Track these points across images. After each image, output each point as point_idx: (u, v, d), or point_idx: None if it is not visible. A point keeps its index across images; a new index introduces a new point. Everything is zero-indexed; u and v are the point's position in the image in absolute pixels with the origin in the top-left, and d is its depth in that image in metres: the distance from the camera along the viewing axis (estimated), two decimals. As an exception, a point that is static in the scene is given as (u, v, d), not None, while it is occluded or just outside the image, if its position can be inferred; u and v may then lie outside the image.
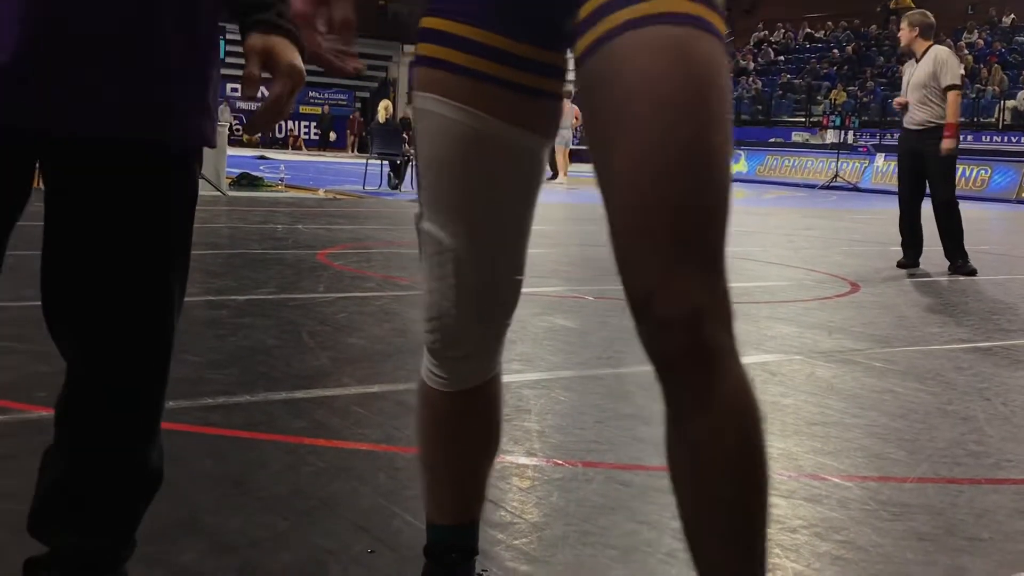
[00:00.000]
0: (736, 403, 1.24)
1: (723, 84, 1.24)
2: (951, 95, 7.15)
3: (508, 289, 1.50)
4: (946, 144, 7.12)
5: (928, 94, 7.17)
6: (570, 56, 1.41)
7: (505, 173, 1.43)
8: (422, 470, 1.63)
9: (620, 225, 1.23)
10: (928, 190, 7.30)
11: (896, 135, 7.70)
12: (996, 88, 24.97)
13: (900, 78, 8.50)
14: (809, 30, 34.77)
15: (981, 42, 28.30)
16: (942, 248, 7.31)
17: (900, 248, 7.48)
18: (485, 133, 1.39)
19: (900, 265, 7.37)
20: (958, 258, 7.27)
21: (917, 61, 7.33)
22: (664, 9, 1.22)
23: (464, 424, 1.57)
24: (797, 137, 26.46)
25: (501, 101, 1.39)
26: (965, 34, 28.97)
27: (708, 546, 1.27)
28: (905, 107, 7.34)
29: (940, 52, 7.34)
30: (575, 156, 18.90)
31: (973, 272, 7.17)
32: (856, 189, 21.46)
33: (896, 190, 7.61)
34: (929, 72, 7.15)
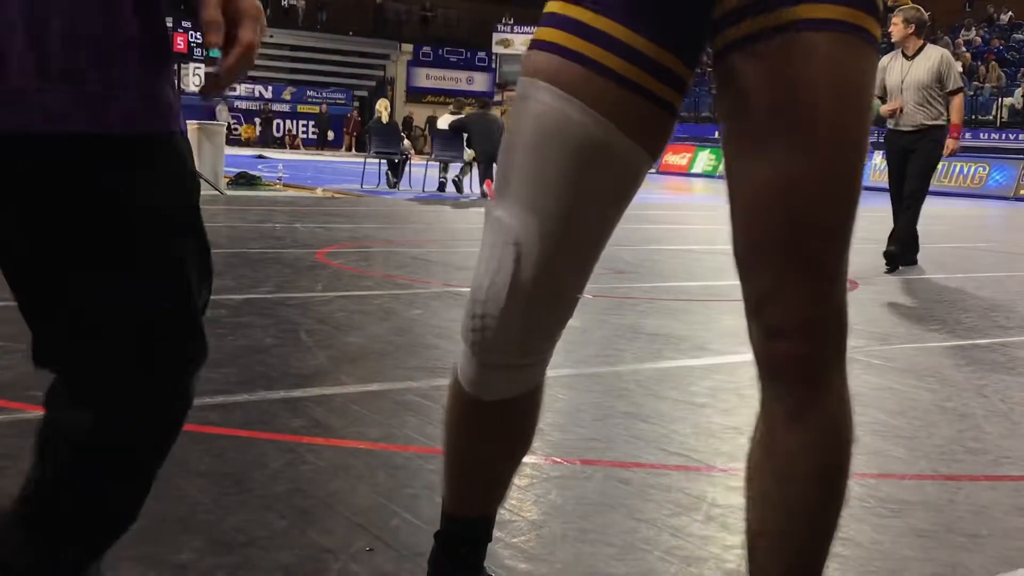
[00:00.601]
0: (831, 422, 1.25)
1: (865, 99, 1.22)
2: (958, 98, 7.18)
3: (562, 304, 1.40)
4: (952, 145, 7.14)
5: (928, 95, 7.11)
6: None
7: (600, 184, 1.30)
8: (444, 458, 1.59)
9: (741, 231, 1.24)
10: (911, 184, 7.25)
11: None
12: (994, 86, 24.99)
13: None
14: (807, 28, 34.74)
15: (979, 39, 28.32)
16: (895, 233, 7.24)
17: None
18: (594, 137, 1.26)
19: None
20: (904, 249, 7.24)
21: (908, 59, 7.25)
22: (820, 15, 1.18)
23: (491, 434, 1.51)
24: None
25: (626, 107, 1.26)
26: (963, 31, 28.99)
27: (772, 550, 1.29)
28: (899, 110, 7.21)
29: (946, 55, 7.29)
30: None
31: (895, 266, 7.12)
32: (854, 187, 21.47)
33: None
34: (934, 73, 7.08)
